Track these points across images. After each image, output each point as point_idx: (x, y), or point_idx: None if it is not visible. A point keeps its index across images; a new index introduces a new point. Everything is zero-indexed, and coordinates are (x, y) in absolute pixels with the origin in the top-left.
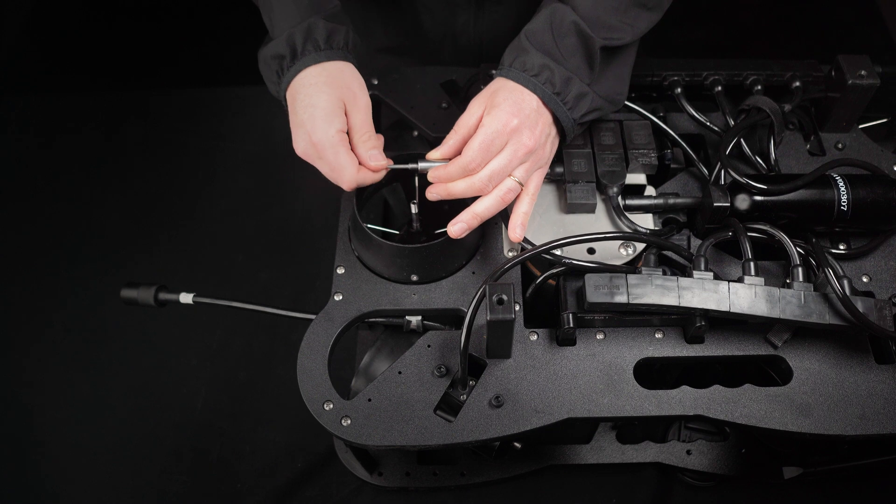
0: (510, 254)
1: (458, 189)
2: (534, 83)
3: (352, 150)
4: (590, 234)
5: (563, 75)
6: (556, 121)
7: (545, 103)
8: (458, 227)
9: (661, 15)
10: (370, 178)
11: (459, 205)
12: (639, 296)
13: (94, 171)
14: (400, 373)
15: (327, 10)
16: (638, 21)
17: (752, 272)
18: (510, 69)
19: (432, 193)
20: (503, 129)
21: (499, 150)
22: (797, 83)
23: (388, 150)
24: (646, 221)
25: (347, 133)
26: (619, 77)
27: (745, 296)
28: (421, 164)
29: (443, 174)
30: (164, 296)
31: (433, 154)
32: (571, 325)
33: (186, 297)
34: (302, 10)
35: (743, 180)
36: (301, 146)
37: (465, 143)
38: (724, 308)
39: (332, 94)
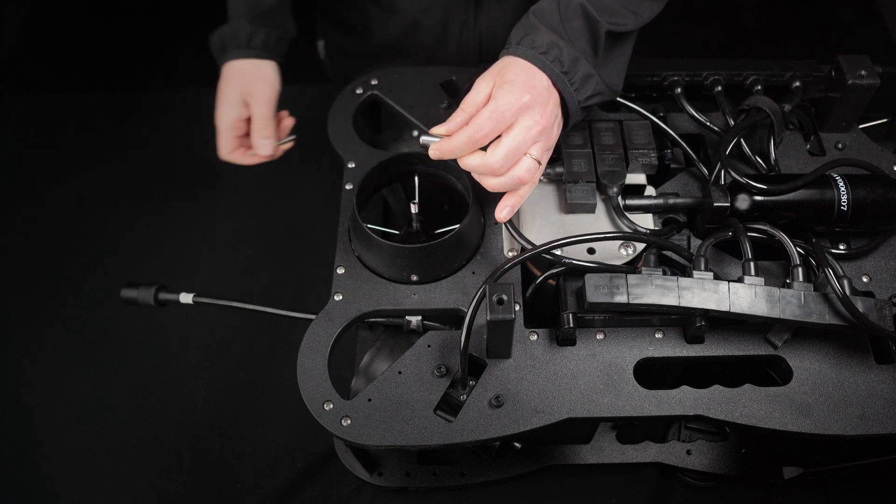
0: (510, 254)
1: (471, 164)
2: (543, 61)
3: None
4: (590, 234)
5: (571, 54)
6: (563, 104)
7: (554, 83)
8: (505, 212)
9: (663, 6)
10: (243, 161)
11: (459, 204)
12: (639, 296)
13: (94, 171)
14: (400, 373)
15: (261, 8)
16: (641, 9)
17: (752, 272)
18: (518, 47)
19: (434, 152)
20: (515, 103)
21: (508, 125)
22: (797, 83)
23: (387, 149)
24: (646, 221)
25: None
26: (617, 68)
27: (745, 296)
28: (423, 138)
29: (447, 146)
30: (164, 296)
31: (437, 129)
32: (571, 325)
33: (186, 297)
34: (239, 7)
35: (743, 180)
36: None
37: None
38: (724, 308)
39: (236, 89)
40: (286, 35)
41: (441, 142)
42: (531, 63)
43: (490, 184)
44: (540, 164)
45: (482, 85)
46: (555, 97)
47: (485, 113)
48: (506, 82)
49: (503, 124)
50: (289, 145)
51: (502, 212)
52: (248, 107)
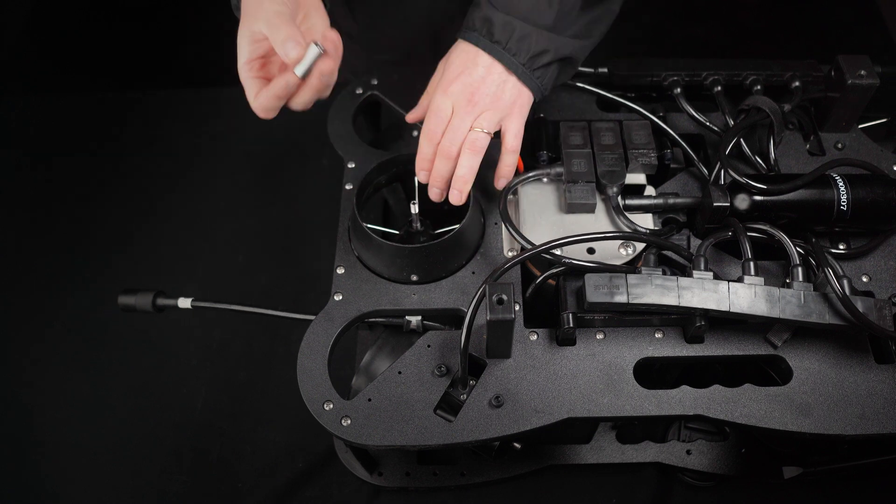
0: (510, 254)
1: (440, 168)
2: (475, 37)
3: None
4: (590, 234)
5: (502, 22)
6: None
7: (489, 53)
8: (453, 195)
9: None
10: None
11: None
12: (639, 296)
13: (94, 171)
14: (400, 373)
15: None
16: None
17: (752, 272)
18: (462, 30)
19: (434, 192)
20: (449, 89)
21: (450, 110)
22: (797, 83)
23: (387, 149)
24: (646, 221)
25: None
26: (591, 25)
27: (744, 296)
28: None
29: (424, 163)
30: (162, 301)
31: (409, 116)
32: (571, 325)
33: (185, 302)
34: None
35: (743, 180)
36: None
37: None
38: (724, 308)
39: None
40: None
41: (419, 163)
42: (467, 41)
43: (459, 173)
44: (489, 133)
45: (439, 67)
46: (494, 66)
47: (428, 111)
48: (444, 73)
49: (446, 112)
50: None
51: (499, 181)
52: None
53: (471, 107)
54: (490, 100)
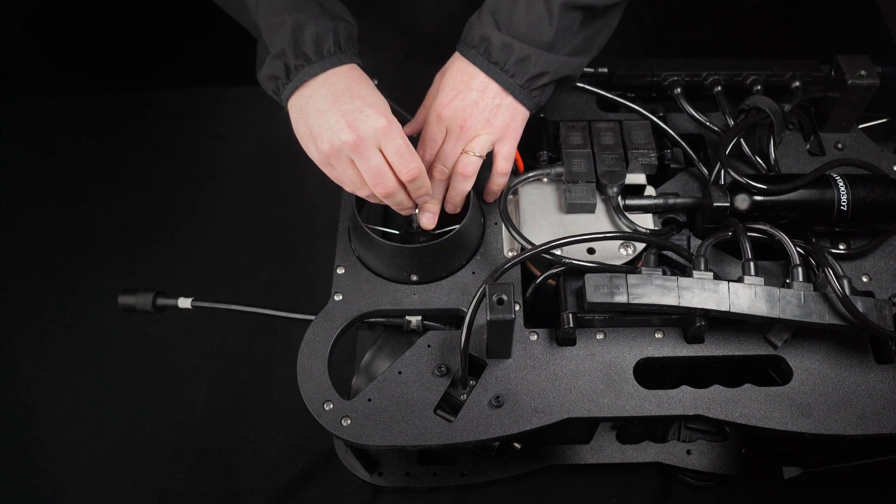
0: (510, 254)
1: (434, 191)
2: (472, 55)
3: None
4: (590, 234)
5: (500, 42)
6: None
7: (486, 73)
8: (448, 207)
9: None
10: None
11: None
12: (639, 296)
13: (94, 171)
14: (400, 373)
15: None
16: None
17: (752, 272)
18: (458, 44)
19: (426, 217)
20: (442, 113)
21: (443, 134)
22: (797, 83)
23: None
24: (646, 221)
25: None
26: (588, 42)
27: (745, 296)
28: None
29: (426, 204)
30: (162, 301)
31: (405, 129)
32: (571, 325)
33: (185, 302)
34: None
35: (743, 180)
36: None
37: None
38: (724, 308)
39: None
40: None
41: (424, 209)
42: (464, 58)
43: (451, 193)
44: (480, 157)
45: (435, 81)
46: (490, 87)
47: (422, 136)
48: (439, 91)
49: (440, 136)
50: None
51: (487, 197)
52: None
53: (463, 132)
54: (482, 124)
